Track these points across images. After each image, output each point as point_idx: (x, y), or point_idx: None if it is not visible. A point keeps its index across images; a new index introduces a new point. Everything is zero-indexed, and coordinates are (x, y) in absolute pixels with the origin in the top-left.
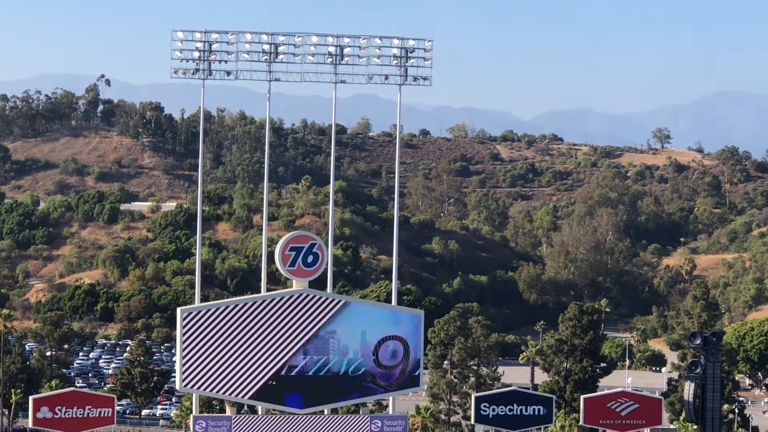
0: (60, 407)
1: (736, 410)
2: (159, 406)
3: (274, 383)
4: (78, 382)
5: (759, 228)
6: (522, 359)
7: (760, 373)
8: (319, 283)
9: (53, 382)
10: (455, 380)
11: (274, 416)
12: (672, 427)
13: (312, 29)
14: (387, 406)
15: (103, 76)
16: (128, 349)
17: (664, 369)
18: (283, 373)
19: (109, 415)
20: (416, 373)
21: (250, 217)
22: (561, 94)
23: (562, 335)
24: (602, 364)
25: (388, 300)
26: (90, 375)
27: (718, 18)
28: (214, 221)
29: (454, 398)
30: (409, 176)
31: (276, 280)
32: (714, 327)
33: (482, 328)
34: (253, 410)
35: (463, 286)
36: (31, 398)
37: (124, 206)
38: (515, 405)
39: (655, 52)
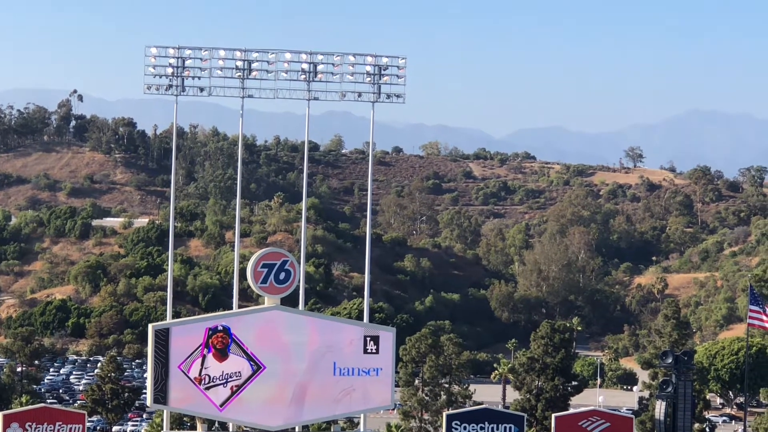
0: (30, 423)
1: (707, 429)
2: (130, 423)
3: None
4: (49, 399)
5: (730, 247)
6: (494, 377)
7: (731, 392)
8: (291, 300)
9: (23, 398)
10: (427, 398)
11: None
12: None
13: (285, 46)
14: (358, 423)
15: (75, 91)
16: (99, 365)
17: (635, 387)
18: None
19: (80, 431)
20: None
21: (222, 233)
22: (533, 113)
23: (533, 353)
24: (574, 383)
25: (359, 317)
26: (61, 391)
27: (690, 37)
28: (186, 237)
29: (426, 416)
30: (382, 194)
31: (248, 297)
32: (685, 346)
33: (454, 345)
34: (224, 427)
35: (435, 303)
36: (1, 414)
37: (96, 222)
38: (486, 423)
39: (627, 70)
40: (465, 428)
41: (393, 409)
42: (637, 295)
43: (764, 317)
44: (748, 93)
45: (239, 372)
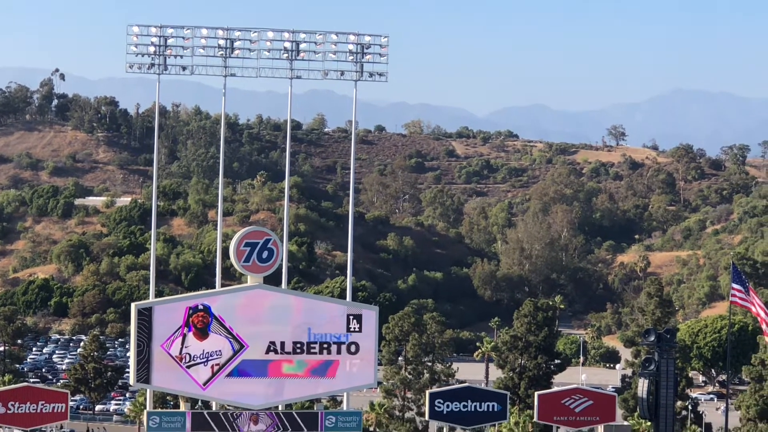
0: (13, 402)
1: (690, 407)
2: (113, 402)
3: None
4: (31, 378)
5: (713, 225)
6: (477, 356)
7: (713, 370)
8: (273, 279)
9: (6, 377)
10: (409, 376)
11: (229, 411)
12: (626, 423)
13: (268, 24)
14: (341, 402)
15: (57, 70)
16: (82, 344)
17: (618, 366)
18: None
19: (63, 410)
20: None
21: (205, 212)
22: (516, 91)
23: (516, 332)
24: (556, 361)
25: (342, 296)
26: (44, 370)
27: (672, 16)
28: (168, 216)
29: (409, 394)
30: (364, 172)
31: (230, 276)
32: (668, 324)
33: (437, 324)
34: (207, 406)
35: (417, 282)
36: None
37: (78, 201)
38: (469, 401)
39: (610, 49)
40: (448, 406)
41: (376, 388)
42: (620, 274)
43: (747, 296)
44: (729, 72)
45: (220, 351)
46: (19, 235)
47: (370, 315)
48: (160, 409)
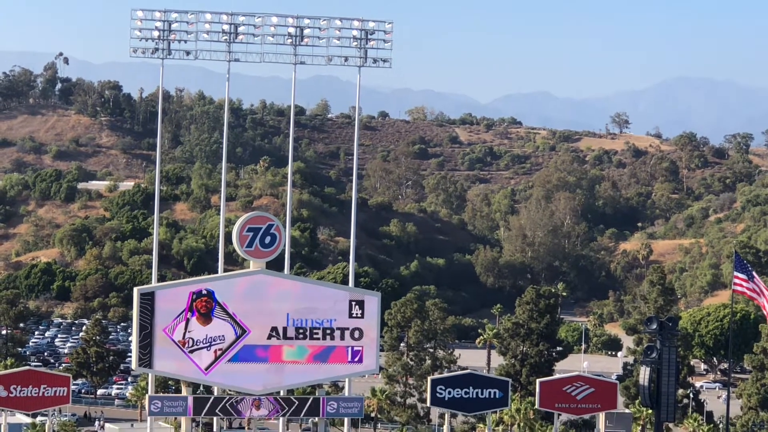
0: (15, 386)
1: (691, 395)
2: (114, 386)
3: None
4: (33, 361)
5: (716, 214)
6: (479, 342)
7: (715, 359)
8: (276, 264)
9: (8, 361)
10: (411, 362)
11: (230, 396)
12: (627, 411)
13: (272, 10)
14: (343, 388)
15: (61, 54)
16: (84, 328)
17: (619, 353)
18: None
19: (65, 394)
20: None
21: (207, 197)
22: (520, 78)
23: (518, 319)
24: (558, 348)
25: (345, 282)
26: (46, 354)
27: (677, 4)
28: (171, 201)
29: (410, 380)
30: (368, 158)
31: (233, 261)
32: (670, 312)
33: (439, 310)
34: (209, 391)
35: (420, 268)
36: None
37: (81, 185)
38: (471, 388)
39: (615, 37)
40: (449, 393)
41: (377, 374)
42: (622, 261)
43: (750, 285)
44: (733, 61)
45: (223, 336)
46: (22, 219)
47: (373, 301)
48: (161, 394)
